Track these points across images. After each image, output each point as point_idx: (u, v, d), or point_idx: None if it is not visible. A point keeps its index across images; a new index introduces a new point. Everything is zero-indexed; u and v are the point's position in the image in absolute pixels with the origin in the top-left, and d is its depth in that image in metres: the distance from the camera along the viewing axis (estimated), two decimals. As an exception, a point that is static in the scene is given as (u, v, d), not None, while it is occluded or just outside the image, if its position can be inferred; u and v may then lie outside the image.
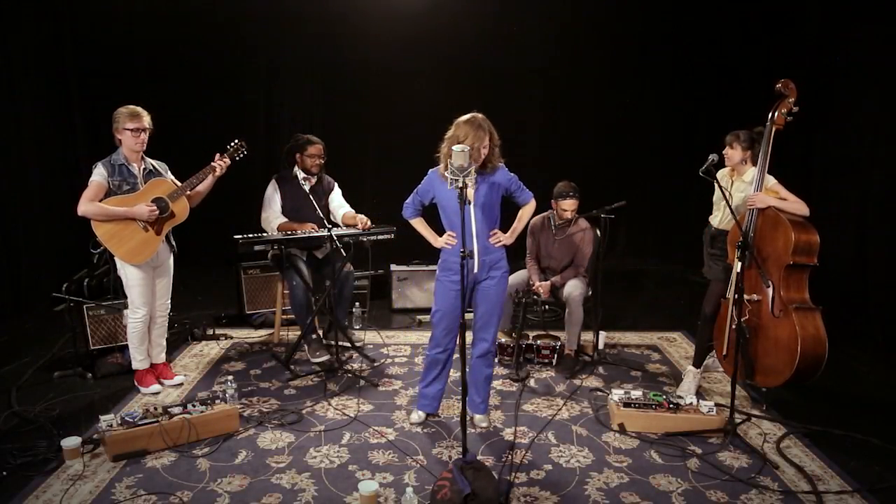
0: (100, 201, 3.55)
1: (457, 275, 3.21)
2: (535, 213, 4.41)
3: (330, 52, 6.74)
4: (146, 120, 3.62)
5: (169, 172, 3.85)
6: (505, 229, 3.32)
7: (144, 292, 3.73)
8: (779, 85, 3.49)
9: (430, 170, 3.28)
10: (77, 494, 2.80)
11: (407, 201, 3.39)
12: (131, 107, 3.62)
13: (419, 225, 3.42)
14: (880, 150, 4.80)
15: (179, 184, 3.75)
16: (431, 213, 3.38)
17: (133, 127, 3.56)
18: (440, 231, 3.34)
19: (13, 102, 5.43)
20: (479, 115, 3.13)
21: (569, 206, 4.20)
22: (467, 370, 3.45)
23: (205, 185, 3.80)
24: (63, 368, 4.12)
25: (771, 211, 3.48)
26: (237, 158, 3.91)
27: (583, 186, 4.25)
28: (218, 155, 3.81)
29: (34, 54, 5.67)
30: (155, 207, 3.59)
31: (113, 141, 3.67)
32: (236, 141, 3.92)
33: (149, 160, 3.76)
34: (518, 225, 3.37)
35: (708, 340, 3.88)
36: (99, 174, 3.57)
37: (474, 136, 3.03)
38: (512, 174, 3.28)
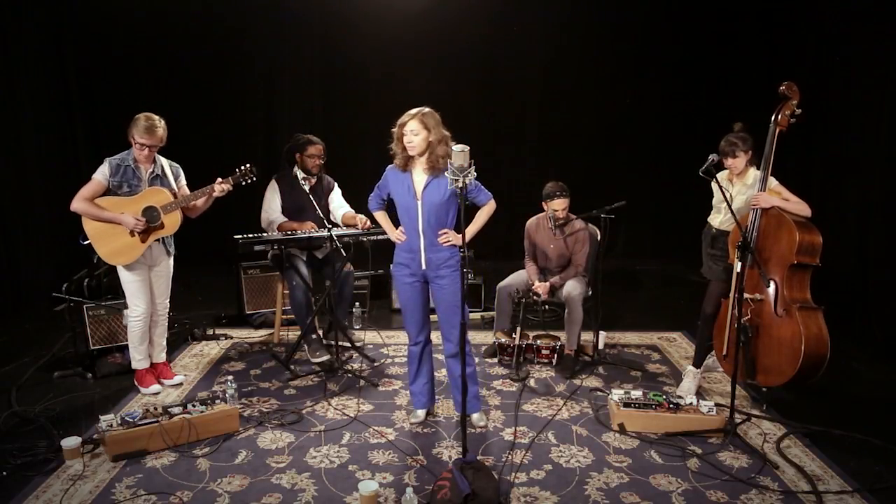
0: (96, 198, 3.56)
1: (408, 268, 3.30)
2: (532, 214, 4.46)
3: (330, 53, 6.74)
4: (158, 137, 3.59)
5: (182, 177, 3.84)
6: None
7: (141, 289, 3.73)
8: (782, 87, 3.49)
9: (389, 166, 3.32)
10: (77, 494, 2.80)
11: (371, 195, 3.44)
12: (151, 121, 3.57)
13: (380, 218, 3.47)
14: (880, 150, 4.79)
15: (187, 191, 3.76)
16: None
17: (141, 142, 3.56)
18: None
19: (13, 102, 5.43)
20: (426, 109, 3.16)
21: (558, 205, 4.19)
22: (447, 369, 3.46)
23: (201, 203, 3.78)
24: (63, 368, 4.12)
25: (775, 211, 3.48)
26: (242, 184, 3.79)
27: (583, 186, 4.26)
28: (220, 179, 3.72)
29: (34, 54, 5.67)
30: (143, 221, 3.57)
31: (116, 139, 3.69)
32: (246, 166, 3.78)
33: (162, 161, 3.75)
34: (473, 226, 3.32)
35: (708, 340, 3.88)
36: (101, 173, 3.59)
37: (404, 117, 3.13)
38: None
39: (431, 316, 3.41)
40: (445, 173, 2.92)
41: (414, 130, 3.12)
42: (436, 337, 3.51)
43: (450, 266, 3.25)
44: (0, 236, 5.32)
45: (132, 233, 3.61)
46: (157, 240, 3.72)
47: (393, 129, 3.20)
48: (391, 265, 3.44)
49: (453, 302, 3.26)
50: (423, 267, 3.27)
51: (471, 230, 3.30)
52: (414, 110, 3.16)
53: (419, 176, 3.20)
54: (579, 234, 4.30)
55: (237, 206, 4.97)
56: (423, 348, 3.42)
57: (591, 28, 6.73)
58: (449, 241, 3.22)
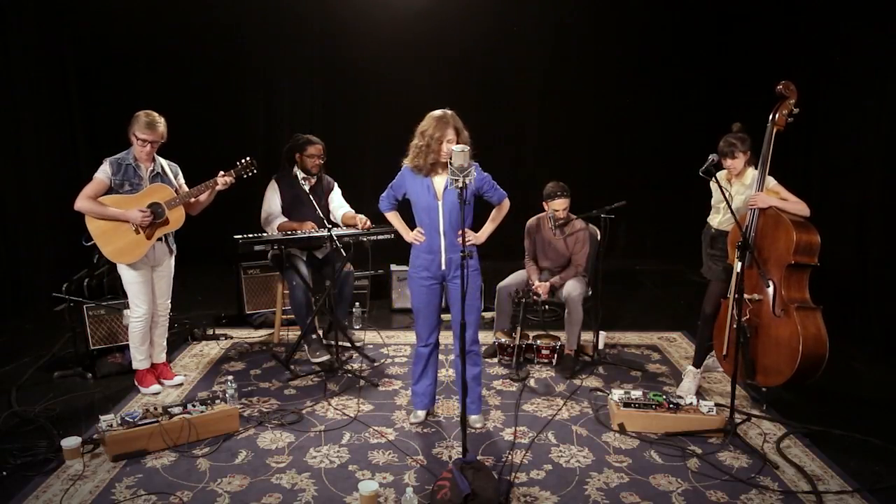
0: (98, 198, 3.56)
1: (426, 271, 3.28)
2: (532, 214, 4.46)
3: (330, 52, 6.74)
4: (159, 133, 3.60)
5: (180, 175, 3.85)
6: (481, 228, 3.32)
7: (143, 290, 3.73)
8: (780, 86, 3.49)
9: (405, 165, 3.30)
10: (77, 494, 2.80)
11: (382, 195, 3.41)
12: (151, 117, 3.58)
13: (393, 219, 3.44)
14: (880, 150, 4.79)
15: (186, 189, 3.76)
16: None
17: (143, 137, 3.56)
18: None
19: (13, 102, 5.43)
20: (450, 112, 3.16)
21: (559, 205, 4.19)
22: (454, 371, 3.46)
23: (205, 197, 3.79)
24: (63, 368, 4.11)
25: (772, 211, 3.48)
26: (244, 176, 3.84)
27: (583, 186, 4.25)
28: (222, 172, 3.76)
29: (34, 54, 5.67)
30: (149, 212, 3.59)
31: (116, 139, 3.69)
32: (246, 159, 3.83)
33: (160, 161, 3.76)
34: (489, 225, 3.36)
35: (708, 340, 3.88)
36: (103, 172, 3.59)
37: (434, 128, 3.08)
38: (485, 174, 3.28)
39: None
40: (445, 173, 2.92)
41: (451, 139, 3.09)
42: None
43: (468, 266, 3.25)
44: (0, 236, 5.32)
45: (137, 230, 3.61)
46: (160, 239, 3.72)
47: (420, 143, 3.13)
48: (408, 268, 3.38)
49: (469, 302, 3.27)
50: (443, 268, 3.26)
51: (487, 229, 3.35)
52: (438, 114, 3.11)
53: (440, 176, 3.19)
54: (579, 234, 4.30)
55: (237, 206, 4.98)
56: (431, 350, 3.42)
57: (591, 28, 6.73)
58: (469, 241, 3.24)
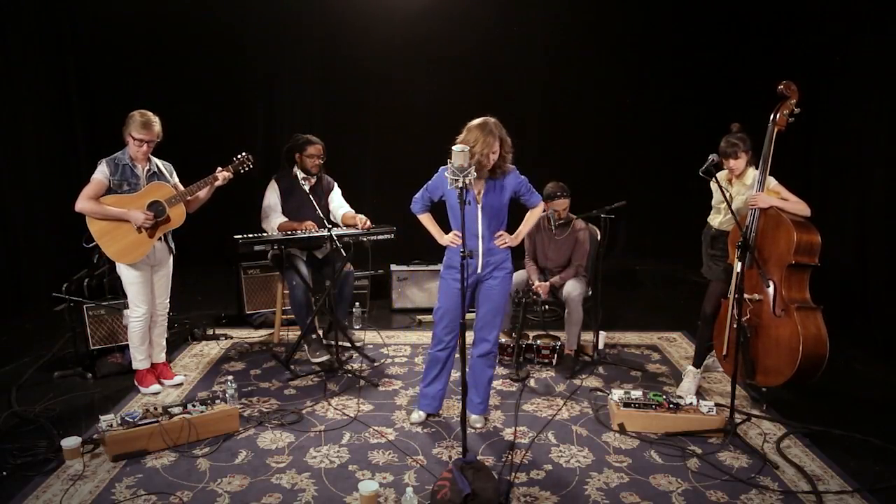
0: (98, 199, 3.56)
1: (460, 273, 3.22)
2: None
3: (330, 53, 6.73)
4: (155, 132, 3.60)
5: (174, 174, 3.86)
6: (511, 230, 3.33)
7: (143, 290, 3.73)
8: (781, 86, 3.49)
9: (442, 167, 3.26)
10: (77, 494, 2.80)
11: (416, 196, 3.38)
12: (147, 117, 3.58)
13: (426, 221, 3.41)
14: (880, 150, 4.79)
15: (182, 188, 3.77)
16: (440, 210, 3.38)
17: (139, 137, 3.56)
18: (448, 229, 3.34)
19: (13, 103, 5.43)
20: (492, 120, 3.11)
21: (559, 206, 4.20)
22: (468, 371, 3.45)
23: (204, 193, 3.81)
24: (63, 368, 4.12)
25: (773, 211, 3.48)
26: (241, 171, 3.91)
27: (583, 186, 4.25)
28: (220, 168, 3.81)
29: (34, 54, 5.67)
30: (151, 215, 3.60)
31: (116, 139, 3.68)
32: (242, 154, 3.91)
33: (155, 161, 3.77)
34: (524, 227, 3.39)
35: (708, 340, 3.88)
36: (101, 172, 3.59)
37: (483, 143, 3.03)
38: (522, 177, 3.29)
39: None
40: (445, 173, 2.90)
41: (496, 151, 3.09)
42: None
43: (504, 268, 3.29)
44: (0, 236, 5.32)
45: (140, 229, 3.61)
46: (161, 238, 3.73)
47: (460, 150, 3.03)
48: (441, 268, 3.36)
49: (500, 301, 3.30)
50: (479, 270, 3.25)
51: (522, 231, 3.37)
52: (481, 124, 3.06)
53: (478, 179, 3.16)
54: (579, 234, 4.31)
55: (237, 206, 4.97)
56: (449, 354, 3.40)
57: (591, 28, 6.73)
58: (505, 242, 3.26)
